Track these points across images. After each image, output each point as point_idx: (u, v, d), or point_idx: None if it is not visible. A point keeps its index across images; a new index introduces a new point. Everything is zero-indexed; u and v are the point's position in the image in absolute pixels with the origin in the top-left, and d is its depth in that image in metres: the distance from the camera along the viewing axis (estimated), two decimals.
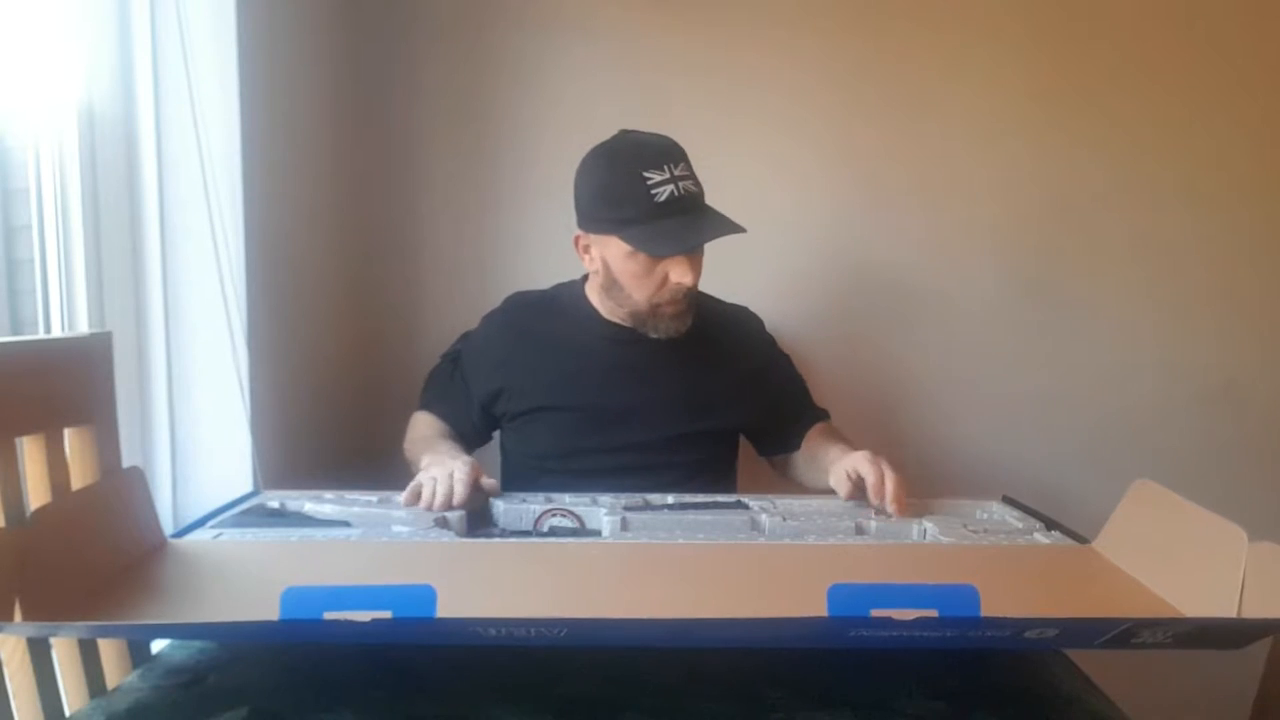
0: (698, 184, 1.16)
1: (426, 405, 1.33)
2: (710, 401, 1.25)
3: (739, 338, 1.32)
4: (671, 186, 1.11)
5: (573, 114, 1.57)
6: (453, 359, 1.34)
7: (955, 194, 1.64)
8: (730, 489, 1.33)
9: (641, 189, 1.11)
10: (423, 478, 1.03)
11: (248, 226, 1.16)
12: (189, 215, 1.14)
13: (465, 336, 1.35)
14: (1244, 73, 1.61)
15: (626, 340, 1.24)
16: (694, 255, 1.16)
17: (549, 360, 1.25)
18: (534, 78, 1.60)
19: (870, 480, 1.02)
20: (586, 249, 1.21)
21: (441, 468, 1.03)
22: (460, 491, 1.00)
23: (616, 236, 1.14)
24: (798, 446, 1.30)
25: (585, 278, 1.29)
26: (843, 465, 1.07)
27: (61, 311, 1.08)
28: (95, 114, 1.09)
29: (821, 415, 1.35)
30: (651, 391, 1.23)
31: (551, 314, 1.29)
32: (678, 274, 1.14)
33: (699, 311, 1.25)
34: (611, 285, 1.20)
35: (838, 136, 1.62)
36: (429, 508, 0.99)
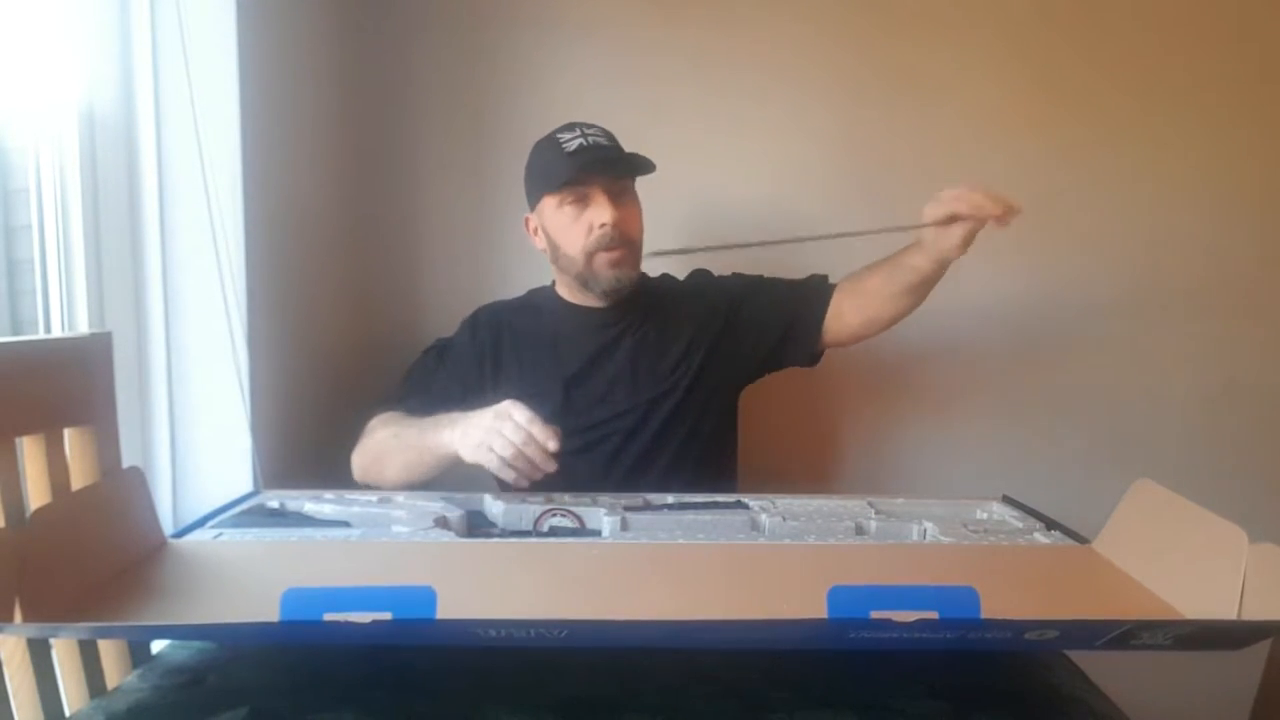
0: (611, 139, 1.24)
1: (401, 399, 1.25)
2: (680, 356, 1.28)
3: (693, 295, 1.34)
4: (580, 140, 1.20)
5: (572, 112, 1.57)
6: (438, 353, 1.32)
7: None
8: (727, 447, 1.35)
9: (555, 147, 1.21)
10: (492, 447, 0.98)
11: (248, 226, 1.16)
12: (189, 215, 1.14)
13: (442, 341, 1.34)
14: (1247, 70, 1.61)
15: (598, 324, 1.28)
16: (616, 198, 1.21)
17: (529, 352, 1.29)
18: (533, 76, 1.60)
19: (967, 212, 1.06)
20: (536, 231, 1.28)
21: (497, 421, 1.00)
22: (539, 431, 0.97)
23: (544, 197, 1.22)
24: (824, 313, 1.28)
25: (554, 282, 1.34)
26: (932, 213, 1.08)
27: (61, 311, 1.08)
28: (95, 114, 1.09)
29: (823, 280, 1.32)
30: (626, 363, 1.27)
31: (525, 311, 1.34)
32: (595, 213, 1.19)
33: (663, 291, 1.32)
34: (556, 253, 1.25)
35: (838, 130, 1.63)
36: (530, 477, 0.97)
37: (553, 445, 0.97)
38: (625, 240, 1.21)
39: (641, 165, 1.21)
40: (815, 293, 1.30)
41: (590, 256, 1.21)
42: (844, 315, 1.28)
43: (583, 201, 1.20)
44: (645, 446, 1.25)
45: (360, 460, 1.21)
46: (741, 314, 1.31)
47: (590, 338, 1.28)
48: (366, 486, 1.17)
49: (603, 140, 1.22)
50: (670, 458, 1.25)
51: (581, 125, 1.23)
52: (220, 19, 1.12)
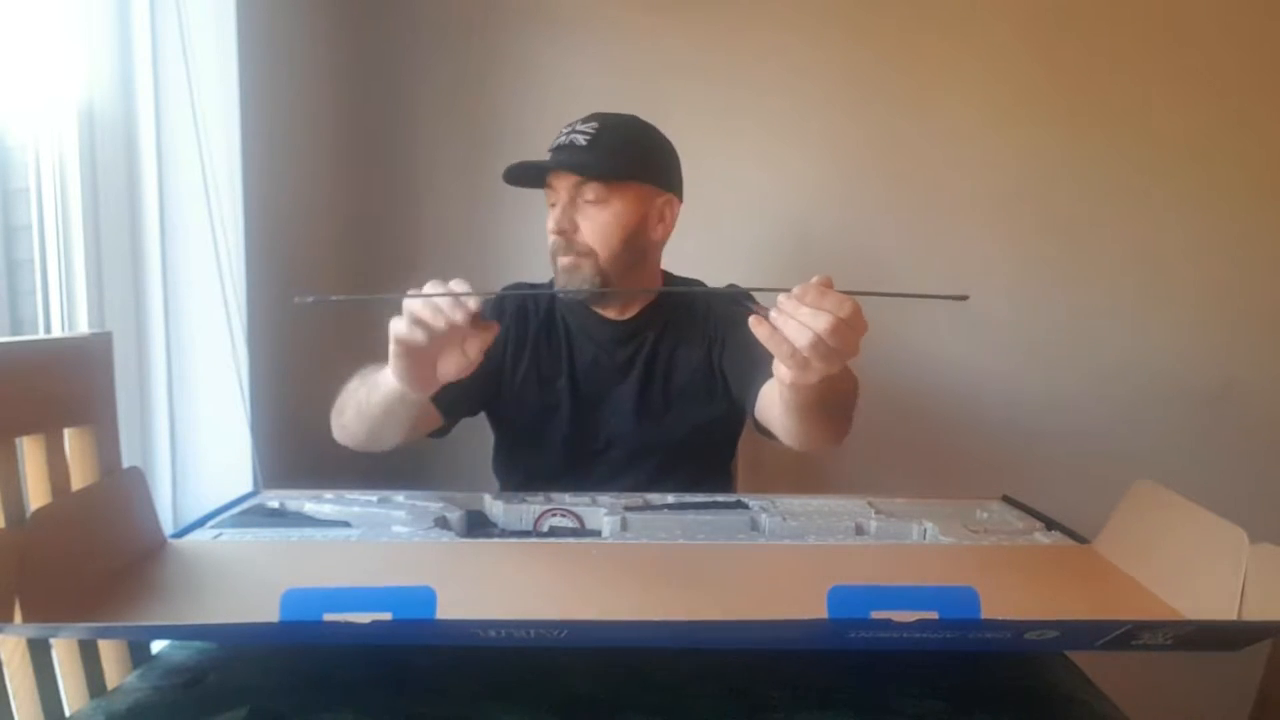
0: (599, 138, 1.12)
1: None
2: (680, 396, 1.22)
3: (709, 320, 1.24)
4: (562, 138, 1.14)
5: (572, 114, 1.57)
6: None
7: (953, 194, 1.64)
8: (723, 480, 1.31)
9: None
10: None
11: (248, 227, 1.16)
12: (189, 215, 1.14)
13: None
14: (1252, 70, 1.61)
15: (611, 340, 1.22)
16: (579, 204, 1.13)
17: (542, 351, 1.22)
18: (534, 78, 1.60)
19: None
20: None
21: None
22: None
23: None
24: (753, 403, 1.11)
25: None
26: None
27: (61, 311, 1.08)
28: (95, 114, 1.09)
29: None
30: (626, 388, 1.21)
31: (543, 304, 1.26)
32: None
33: (688, 305, 1.23)
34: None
35: (834, 137, 1.63)
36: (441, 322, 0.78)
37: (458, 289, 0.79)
38: (576, 249, 1.13)
39: (587, 167, 1.10)
40: (759, 369, 1.07)
41: (553, 256, 1.17)
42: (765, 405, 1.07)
43: (555, 204, 1.15)
44: (638, 482, 1.18)
45: (334, 418, 1.07)
46: (725, 355, 1.21)
47: (603, 353, 1.22)
48: (357, 449, 1.06)
49: (581, 140, 1.12)
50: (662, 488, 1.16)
51: (580, 122, 1.15)
52: (220, 19, 1.12)
